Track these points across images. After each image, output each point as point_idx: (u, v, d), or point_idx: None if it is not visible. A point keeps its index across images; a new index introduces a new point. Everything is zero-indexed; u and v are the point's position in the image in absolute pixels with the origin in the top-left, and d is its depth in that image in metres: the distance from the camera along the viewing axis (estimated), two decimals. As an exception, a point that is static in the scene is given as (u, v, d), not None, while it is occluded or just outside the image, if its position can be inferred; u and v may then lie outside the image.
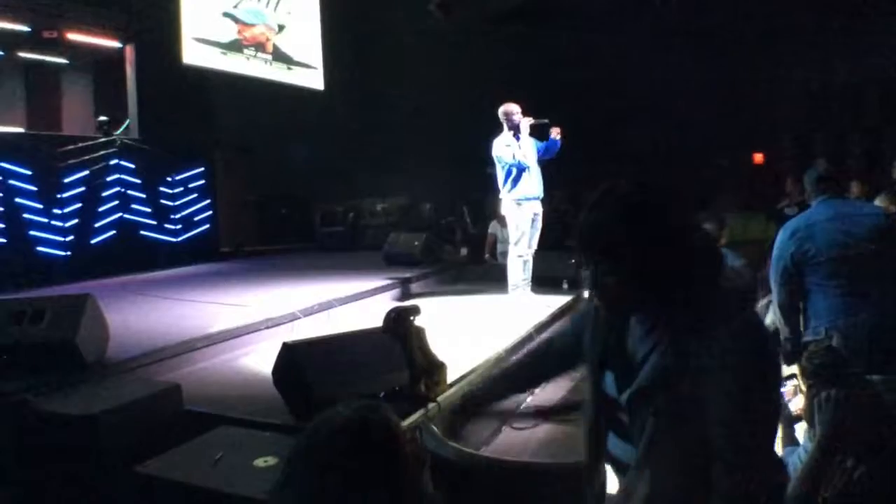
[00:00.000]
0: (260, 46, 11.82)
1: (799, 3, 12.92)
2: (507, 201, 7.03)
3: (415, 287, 8.32)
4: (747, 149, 16.69)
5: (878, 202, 6.19)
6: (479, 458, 2.63)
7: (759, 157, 16.83)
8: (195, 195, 10.64)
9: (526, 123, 6.94)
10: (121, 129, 9.96)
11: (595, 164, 14.16)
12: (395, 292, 7.87)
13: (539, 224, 7.17)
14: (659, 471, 1.50)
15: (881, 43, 13.95)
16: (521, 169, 6.88)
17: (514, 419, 5.36)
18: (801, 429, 3.11)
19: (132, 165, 9.62)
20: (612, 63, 14.02)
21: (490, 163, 7.30)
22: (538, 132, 7.09)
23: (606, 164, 14.98)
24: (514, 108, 7.00)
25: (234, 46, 11.32)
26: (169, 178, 10.19)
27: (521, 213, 6.97)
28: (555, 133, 7.04)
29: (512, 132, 6.95)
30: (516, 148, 6.87)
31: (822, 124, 15.78)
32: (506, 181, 7.00)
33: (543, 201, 7.19)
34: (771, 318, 7.65)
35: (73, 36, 9.61)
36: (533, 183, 6.97)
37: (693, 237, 1.57)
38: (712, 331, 1.46)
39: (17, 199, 8.34)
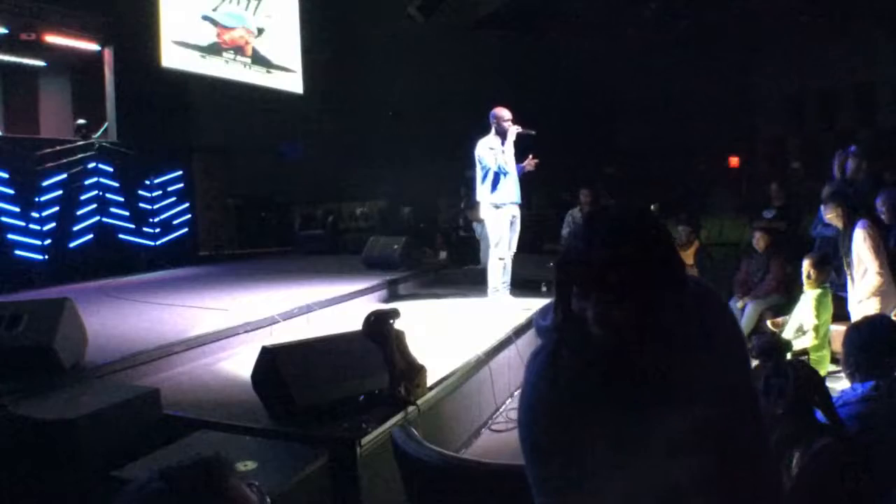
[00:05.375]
0: (239, 49, 11.78)
1: (779, 10, 13.06)
2: (486, 204, 7.08)
3: (395, 290, 8.34)
4: (724, 152, 16.87)
5: (826, 212, 6.32)
6: (459, 461, 2.65)
7: (734, 161, 16.99)
8: (174, 198, 10.58)
9: (514, 131, 6.98)
10: (99, 133, 9.89)
11: (575, 165, 14.30)
12: (375, 296, 7.88)
13: (518, 226, 7.22)
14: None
15: (854, 50, 14.16)
16: (501, 174, 6.92)
17: (493, 422, 5.41)
18: None
19: (110, 169, 9.56)
20: (593, 67, 14.11)
21: (470, 165, 7.34)
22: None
23: (588, 165, 15.13)
24: (506, 114, 7.05)
25: (214, 49, 11.28)
26: (147, 182, 10.13)
27: (499, 216, 7.02)
28: (530, 164, 7.11)
29: (499, 137, 6.99)
30: (499, 152, 6.91)
31: (797, 129, 15.97)
32: (483, 181, 7.05)
33: (521, 206, 7.24)
34: (744, 322, 7.78)
35: (52, 38, 9.52)
36: (511, 188, 7.02)
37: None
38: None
39: (-6, 203, 8.27)
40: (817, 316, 5.80)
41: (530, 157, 7.16)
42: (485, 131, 7.09)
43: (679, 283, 1.53)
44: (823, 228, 7.45)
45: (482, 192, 7.08)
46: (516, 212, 7.15)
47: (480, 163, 7.02)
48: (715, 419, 1.49)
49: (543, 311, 1.68)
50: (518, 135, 7.00)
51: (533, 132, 7.02)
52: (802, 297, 6.03)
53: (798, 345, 5.74)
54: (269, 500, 1.43)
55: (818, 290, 5.88)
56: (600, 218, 1.58)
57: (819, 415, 2.71)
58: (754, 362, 2.80)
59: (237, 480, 1.34)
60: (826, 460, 2.50)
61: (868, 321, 3.33)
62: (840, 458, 2.52)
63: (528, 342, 6.32)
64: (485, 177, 7.02)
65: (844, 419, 2.76)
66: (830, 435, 2.59)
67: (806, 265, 5.90)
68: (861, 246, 5.72)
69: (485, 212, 7.14)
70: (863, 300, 5.73)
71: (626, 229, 1.53)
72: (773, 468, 1.66)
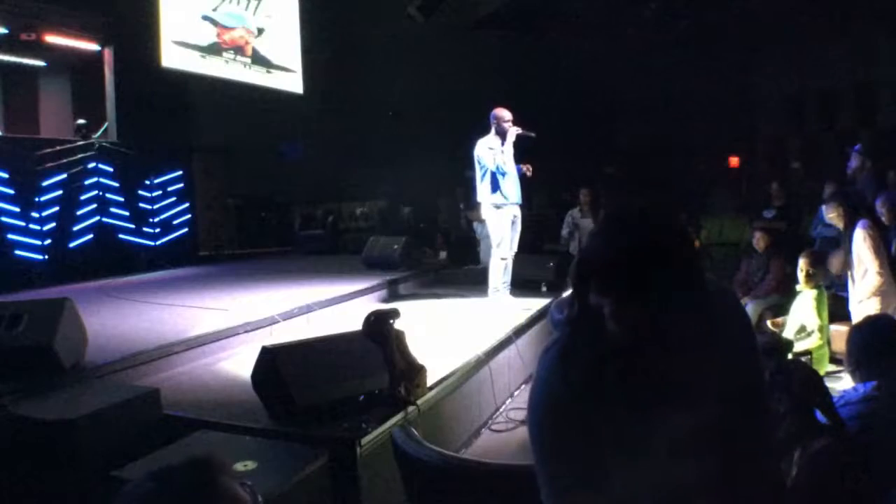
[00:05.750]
0: (239, 49, 11.77)
1: (779, 10, 13.06)
2: (486, 205, 7.07)
3: (395, 290, 8.34)
4: (724, 152, 16.86)
5: (827, 212, 6.30)
6: (459, 461, 2.65)
7: (734, 161, 16.99)
8: (174, 198, 10.58)
9: (513, 132, 6.96)
10: (99, 133, 9.89)
11: (575, 165, 14.28)
12: (375, 296, 7.88)
13: (519, 226, 7.21)
14: None
15: (854, 50, 14.16)
16: (500, 174, 6.91)
17: (493, 422, 5.41)
18: None
19: (110, 169, 9.56)
20: (593, 67, 14.10)
21: (469, 165, 7.33)
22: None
23: (588, 165, 15.11)
24: (506, 115, 7.03)
25: (214, 49, 11.27)
26: (147, 182, 10.13)
27: (500, 216, 7.02)
28: (527, 170, 7.12)
29: (499, 137, 6.98)
30: (498, 152, 6.90)
31: (797, 129, 15.96)
32: (482, 180, 7.04)
33: (521, 206, 7.24)
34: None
35: (52, 38, 9.52)
36: (511, 188, 7.01)
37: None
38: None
39: (-6, 203, 8.27)
40: (819, 316, 5.80)
41: (526, 165, 7.17)
42: (485, 131, 7.08)
43: (693, 282, 1.55)
44: (824, 229, 7.45)
45: (482, 192, 7.07)
46: (517, 212, 7.15)
47: (479, 163, 7.01)
48: (720, 419, 1.48)
49: (560, 305, 1.69)
50: (518, 136, 6.99)
51: (533, 134, 7.00)
52: (799, 296, 6.02)
53: (802, 346, 5.74)
54: (261, 499, 1.43)
55: (815, 290, 5.88)
56: (617, 217, 1.59)
57: (819, 415, 2.71)
58: None
59: (229, 480, 1.34)
60: (826, 460, 2.50)
61: (869, 321, 3.34)
62: (840, 458, 2.52)
63: (529, 342, 6.32)
64: (483, 176, 7.01)
65: (845, 419, 2.76)
66: (830, 435, 2.59)
67: (803, 263, 5.90)
68: (861, 246, 5.72)
69: (486, 212, 7.13)
70: (863, 300, 5.73)
71: (643, 229, 1.55)
72: (776, 466, 1.66)
